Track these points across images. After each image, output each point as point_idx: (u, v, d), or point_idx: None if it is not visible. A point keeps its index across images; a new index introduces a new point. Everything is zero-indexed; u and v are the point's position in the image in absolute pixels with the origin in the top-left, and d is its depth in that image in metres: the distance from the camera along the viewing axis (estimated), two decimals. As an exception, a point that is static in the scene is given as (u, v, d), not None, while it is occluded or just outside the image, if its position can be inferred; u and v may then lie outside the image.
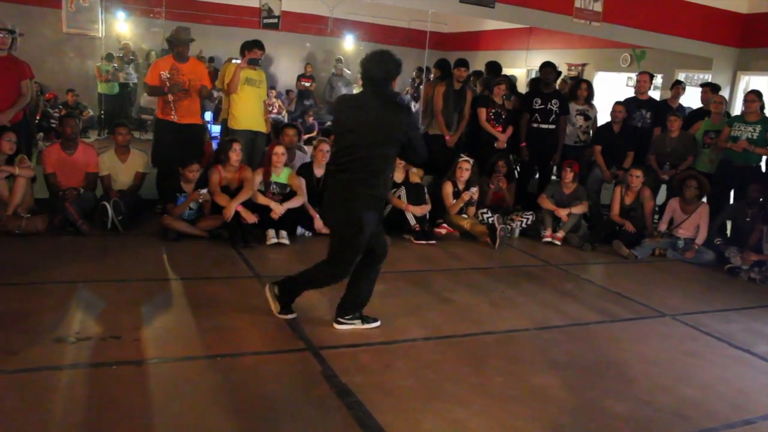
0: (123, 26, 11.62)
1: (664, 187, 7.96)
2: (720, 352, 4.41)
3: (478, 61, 11.25)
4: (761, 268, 6.37)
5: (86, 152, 6.22)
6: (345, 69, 14.06)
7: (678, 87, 8.68)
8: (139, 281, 4.68)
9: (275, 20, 12.75)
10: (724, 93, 9.45)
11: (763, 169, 7.42)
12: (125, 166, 6.33)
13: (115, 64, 11.31)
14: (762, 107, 7.25)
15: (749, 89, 8.26)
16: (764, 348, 4.51)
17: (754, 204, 6.85)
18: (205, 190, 5.89)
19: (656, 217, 7.63)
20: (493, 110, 7.71)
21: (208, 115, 10.36)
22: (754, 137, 7.09)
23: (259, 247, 5.76)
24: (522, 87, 10.68)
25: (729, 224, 7.39)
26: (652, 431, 3.19)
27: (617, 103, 8.02)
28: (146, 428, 2.81)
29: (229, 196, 5.94)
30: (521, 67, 14.12)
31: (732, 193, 7.53)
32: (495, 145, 7.70)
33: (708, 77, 10.05)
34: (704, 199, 7.20)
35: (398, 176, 6.85)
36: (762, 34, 9.94)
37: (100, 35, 7.97)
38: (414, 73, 13.82)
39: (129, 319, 3.94)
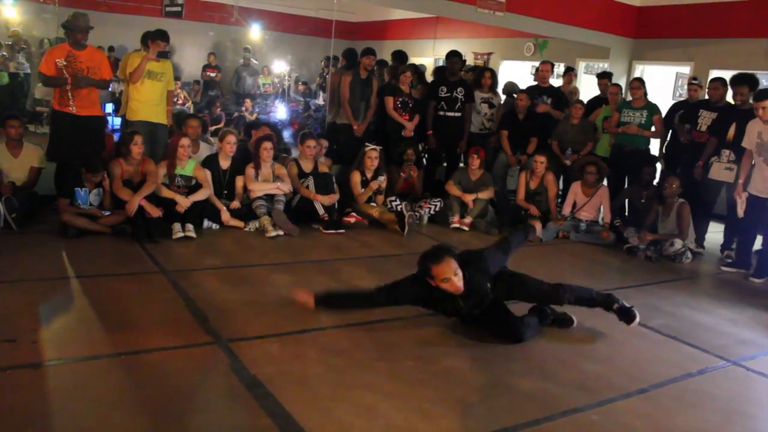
0: (10, 11, 11.00)
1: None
2: (619, 327, 4.55)
3: (386, 51, 11.29)
4: (656, 246, 6.71)
5: (-27, 147, 5.88)
6: (252, 59, 13.86)
7: (570, 74, 9.06)
8: (36, 281, 4.46)
9: (178, 8, 12.43)
10: (621, 81, 9.89)
11: (652, 152, 7.83)
12: (18, 161, 6.02)
13: (4, 53, 10.71)
14: (646, 93, 7.66)
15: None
16: (658, 321, 4.76)
17: (648, 186, 7.20)
18: (108, 212, 5.73)
19: (560, 200, 7.90)
20: (400, 99, 7.77)
21: (110, 107, 10.00)
22: (642, 122, 7.48)
23: (164, 242, 5.60)
24: (430, 76, 10.83)
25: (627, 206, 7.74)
26: (556, 405, 3.30)
27: (520, 92, 8.25)
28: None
29: (132, 190, 5.75)
30: (429, 56, 14.28)
31: (627, 176, 7.88)
32: (402, 133, 7.77)
33: (606, 66, 10.49)
34: (604, 182, 7.52)
35: (306, 166, 6.82)
36: (654, 26, 10.46)
37: (-16, 21, 7.51)
38: (322, 63, 13.76)
39: (25, 321, 3.75)
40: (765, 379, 3.93)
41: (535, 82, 8.66)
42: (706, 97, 7.39)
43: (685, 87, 10.27)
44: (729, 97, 7.16)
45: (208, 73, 13.43)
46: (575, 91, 9.10)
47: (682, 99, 8.69)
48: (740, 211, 6.26)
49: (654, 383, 3.67)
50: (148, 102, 6.65)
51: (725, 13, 9.54)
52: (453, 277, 3.77)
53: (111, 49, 11.73)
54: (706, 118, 7.07)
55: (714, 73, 9.06)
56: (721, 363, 4.10)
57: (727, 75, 7.38)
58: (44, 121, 9.85)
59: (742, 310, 5.23)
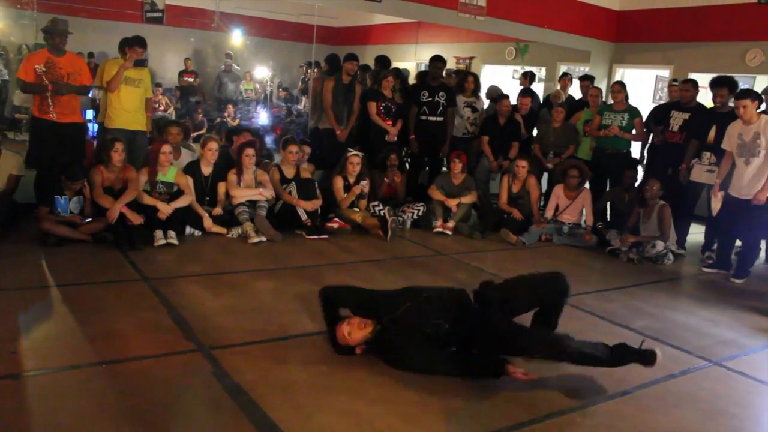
0: (-12, 18, 10.87)
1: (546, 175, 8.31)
2: (602, 330, 4.63)
3: (368, 55, 11.31)
4: (638, 248, 6.75)
5: (-49, 155, 5.79)
6: (234, 65, 13.82)
7: (565, 78, 9.12)
8: (15, 290, 4.40)
9: (159, 14, 12.32)
10: (602, 85, 9.96)
11: (633, 154, 7.91)
12: (-4, 169, 5.95)
13: (-18, 60, 10.63)
14: (626, 97, 7.74)
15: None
16: (641, 323, 4.79)
17: (630, 189, 7.26)
18: (88, 220, 5.68)
19: (542, 203, 7.94)
20: (383, 104, 7.78)
21: (90, 114, 9.92)
22: (623, 124, 7.56)
23: (146, 249, 5.55)
24: (413, 80, 10.87)
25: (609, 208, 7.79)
26: (540, 407, 3.31)
27: (503, 97, 8.28)
28: (24, 443, 2.67)
29: (113, 198, 5.70)
30: (411, 61, 14.33)
31: (608, 179, 7.95)
32: (386, 138, 7.78)
33: (587, 69, 10.57)
34: (586, 185, 7.57)
35: (289, 171, 6.81)
36: (633, 30, 10.57)
37: (-40, 27, 7.44)
38: (302, 68, 13.77)
39: (4, 331, 3.70)
40: (746, 378, 3.96)
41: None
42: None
43: (665, 90, 10.42)
44: (699, 98, 7.30)
45: (185, 79, 13.38)
46: (559, 95, 9.17)
47: (662, 102, 8.79)
48: (714, 210, 6.34)
49: (636, 385, 3.69)
50: (126, 109, 6.60)
51: (702, 18, 9.65)
52: (347, 336, 3.61)
53: (91, 55, 11.66)
54: (677, 119, 7.20)
55: (692, 76, 9.16)
56: (703, 363, 4.13)
57: (705, 78, 7.47)
58: (23, 128, 9.76)
59: (723, 311, 5.28)
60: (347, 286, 4.19)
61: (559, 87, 9.36)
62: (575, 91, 9.60)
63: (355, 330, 3.60)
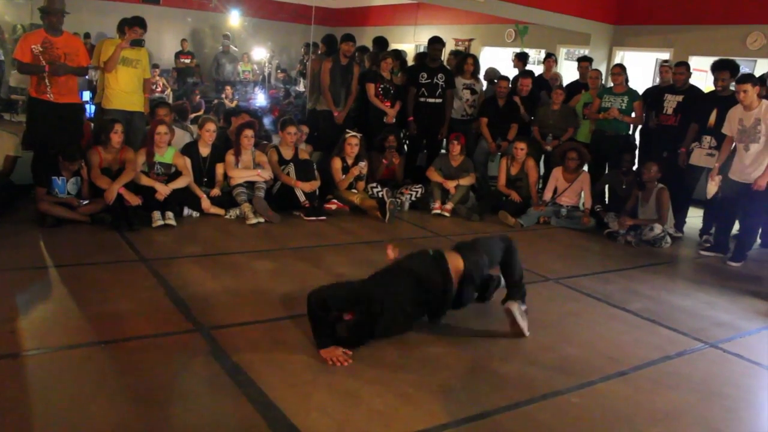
0: (-19, -3, 10.80)
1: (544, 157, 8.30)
2: (599, 311, 4.65)
3: (367, 37, 11.24)
4: (636, 231, 6.76)
5: (-54, 136, 5.77)
6: (231, 46, 13.75)
7: (549, 60, 9.09)
8: (13, 270, 4.40)
9: (157, -6, 12.24)
10: (601, 67, 9.92)
11: (633, 137, 7.91)
12: (-7, 150, 5.93)
13: (-24, 40, 10.55)
14: (626, 80, 7.72)
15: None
16: (638, 305, 4.81)
17: (629, 172, 7.25)
18: (86, 201, 5.65)
19: (540, 185, 7.93)
20: (382, 85, 7.75)
21: (87, 95, 9.87)
22: (623, 107, 7.54)
23: (144, 230, 5.55)
24: (411, 62, 10.82)
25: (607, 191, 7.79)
26: (537, 388, 3.32)
27: (502, 79, 8.25)
28: (24, 421, 2.66)
29: (111, 179, 5.69)
30: (409, 43, 14.25)
31: (608, 162, 7.93)
32: (384, 119, 7.75)
33: (587, 52, 10.52)
34: (585, 168, 7.56)
35: (287, 152, 6.79)
36: (634, 13, 10.51)
37: (-46, 7, 7.36)
38: (302, 50, 13.69)
39: (2, 311, 3.70)
40: (741, 360, 3.98)
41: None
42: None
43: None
44: (700, 82, 7.28)
45: (182, 60, 13.31)
46: (557, 77, 9.13)
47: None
48: (709, 193, 6.35)
49: (633, 366, 3.71)
50: (124, 90, 6.56)
51: (703, 0, 9.60)
52: None
53: (87, 35, 11.58)
54: (671, 102, 7.23)
55: (693, 60, 9.13)
56: (699, 345, 4.15)
57: (706, 61, 7.44)
58: (19, 109, 9.71)
59: (719, 294, 5.30)
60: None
61: (543, 69, 9.32)
62: (569, 72, 9.56)
63: None
